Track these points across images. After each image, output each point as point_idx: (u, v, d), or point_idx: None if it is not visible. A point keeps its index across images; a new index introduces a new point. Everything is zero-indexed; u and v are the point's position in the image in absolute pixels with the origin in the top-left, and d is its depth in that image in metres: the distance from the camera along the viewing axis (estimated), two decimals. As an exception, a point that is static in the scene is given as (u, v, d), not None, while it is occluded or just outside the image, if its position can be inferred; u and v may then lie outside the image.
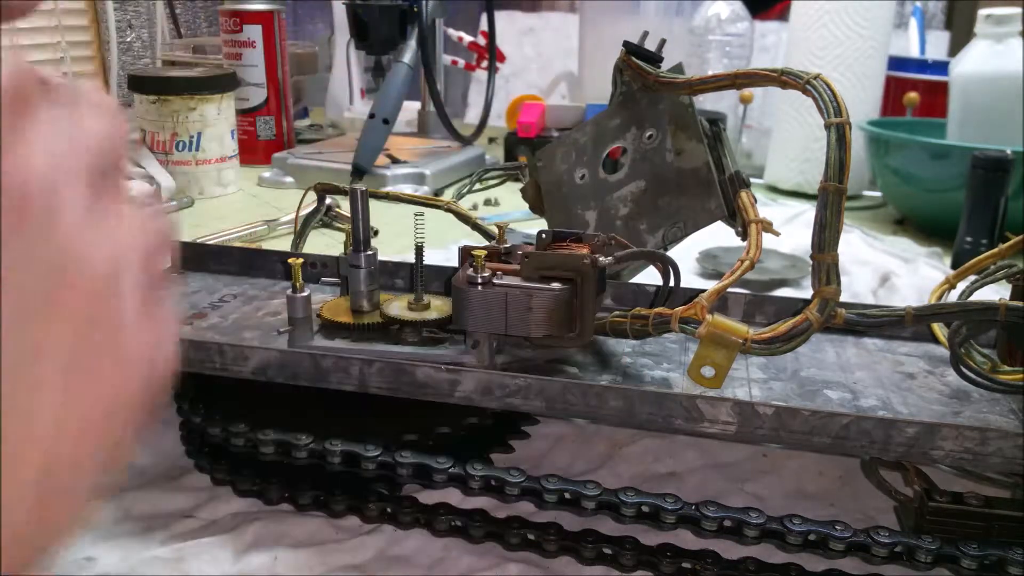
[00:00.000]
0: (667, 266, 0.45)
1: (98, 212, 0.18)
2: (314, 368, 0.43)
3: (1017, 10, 0.98)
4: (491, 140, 1.43)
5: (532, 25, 2.03)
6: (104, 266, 0.17)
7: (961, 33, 1.80)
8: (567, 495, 0.42)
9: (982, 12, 1.00)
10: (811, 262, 0.39)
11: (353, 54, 1.50)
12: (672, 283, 0.45)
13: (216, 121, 1.07)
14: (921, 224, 1.01)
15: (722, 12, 1.35)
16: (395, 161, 1.14)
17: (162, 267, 0.20)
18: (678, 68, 0.49)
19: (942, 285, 0.53)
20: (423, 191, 1.08)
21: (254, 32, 1.20)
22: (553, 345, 0.45)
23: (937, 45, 1.81)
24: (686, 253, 0.81)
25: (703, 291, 0.40)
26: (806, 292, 0.47)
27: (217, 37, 1.35)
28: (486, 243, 0.48)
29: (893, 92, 1.29)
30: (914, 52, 1.59)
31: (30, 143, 0.16)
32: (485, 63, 1.45)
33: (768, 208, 1.07)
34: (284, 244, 0.82)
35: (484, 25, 1.39)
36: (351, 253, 0.48)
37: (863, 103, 1.10)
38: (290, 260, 0.46)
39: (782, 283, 0.79)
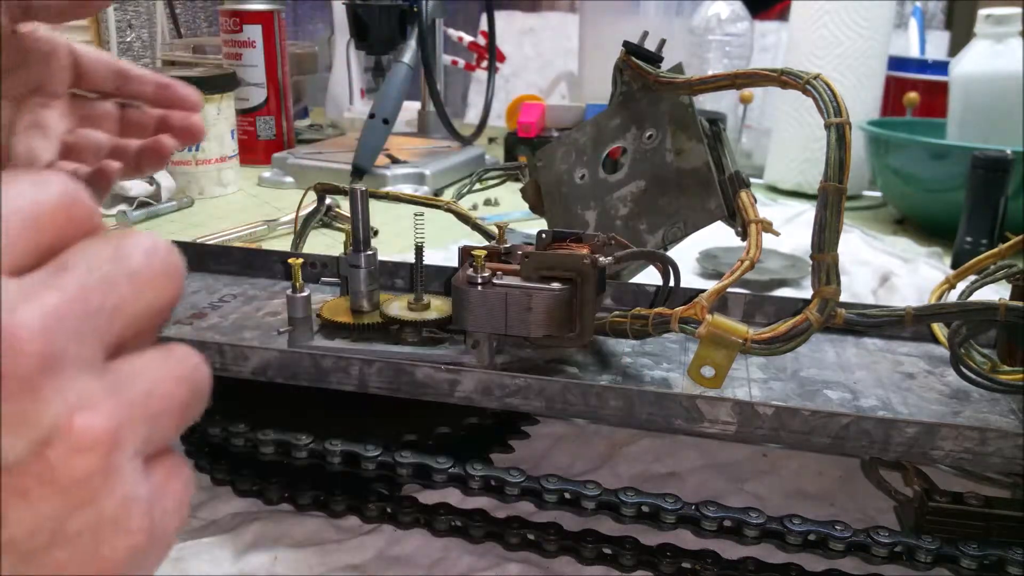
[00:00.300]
0: (667, 266, 0.45)
1: (110, 373, 0.17)
2: (314, 368, 0.43)
3: (1017, 10, 0.98)
4: (491, 140, 1.43)
5: (532, 25, 2.03)
6: (98, 437, 0.16)
7: (961, 33, 1.80)
8: (567, 495, 0.42)
9: (982, 12, 1.00)
10: (811, 262, 0.39)
11: (353, 54, 1.50)
12: (672, 283, 0.45)
13: (216, 121, 1.08)
14: (921, 224, 1.02)
15: (722, 12, 1.35)
16: (395, 161, 1.14)
17: (183, 423, 0.18)
18: (678, 68, 0.49)
19: (942, 285, 0.53)
20: (423, 191, 1.08)
21: (254, 32, 1.20)
22: (553, 345, 0.45)
23: (937, 45, 1.81)
24: (686, 253, 0.81)
25: (703, 291, 0.40)
26: (806, 292, 0.47)
27: (217, 37, 1.35)
28: (486, 243, 0.48)
29: (893, 92, 1.29)
30: (914, 52, 1.59)
31: (43, 294, 0.15)
32: (485, 63, 1.45)
33: (768, 208, 1.07)
34: (284, 244, 0.83)
35: (484, 25, 1.39)
36: (351, 253, 0.48)
37: (863, 103, 1.10)
38: (290, 260, 0.46)
39: (782, 283, 0.79)
